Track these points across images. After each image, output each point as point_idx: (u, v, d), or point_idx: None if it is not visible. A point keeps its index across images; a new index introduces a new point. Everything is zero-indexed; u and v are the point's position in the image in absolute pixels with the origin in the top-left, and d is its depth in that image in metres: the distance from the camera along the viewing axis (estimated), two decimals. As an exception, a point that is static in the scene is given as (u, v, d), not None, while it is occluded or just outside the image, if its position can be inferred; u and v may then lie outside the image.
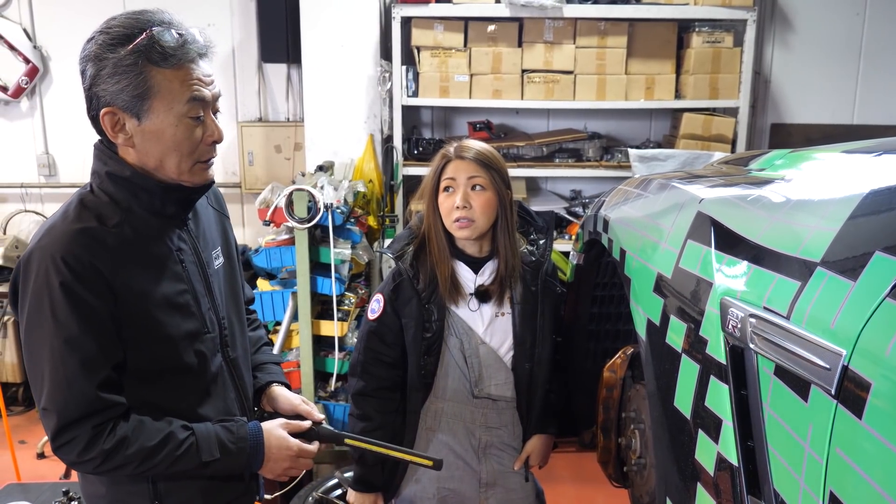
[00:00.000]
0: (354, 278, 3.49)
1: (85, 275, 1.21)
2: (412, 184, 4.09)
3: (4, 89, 3.97)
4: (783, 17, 4.01)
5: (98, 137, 1.31)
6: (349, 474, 2.14)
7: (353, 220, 3.32)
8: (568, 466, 3.41)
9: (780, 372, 0.85)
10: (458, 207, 1.72)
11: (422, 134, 4.12)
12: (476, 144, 1.78)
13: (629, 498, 1.76)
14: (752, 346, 0.89)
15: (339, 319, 3.18)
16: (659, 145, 3.97)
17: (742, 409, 0.92)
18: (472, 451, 1.86)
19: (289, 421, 1.45)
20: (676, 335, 1.08)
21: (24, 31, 3.96)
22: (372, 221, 3.69)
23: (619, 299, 1.97)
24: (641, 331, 1.22)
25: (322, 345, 3.28)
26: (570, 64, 3.68)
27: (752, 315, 0.89)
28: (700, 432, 0.99)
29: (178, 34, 1.22)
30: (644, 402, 1.59)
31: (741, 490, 0.89)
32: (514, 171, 3.76)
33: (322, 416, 1.53)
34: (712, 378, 0.97)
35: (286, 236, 3.20)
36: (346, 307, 3.29)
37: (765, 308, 0.89)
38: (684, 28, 3.74)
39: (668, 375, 1.09)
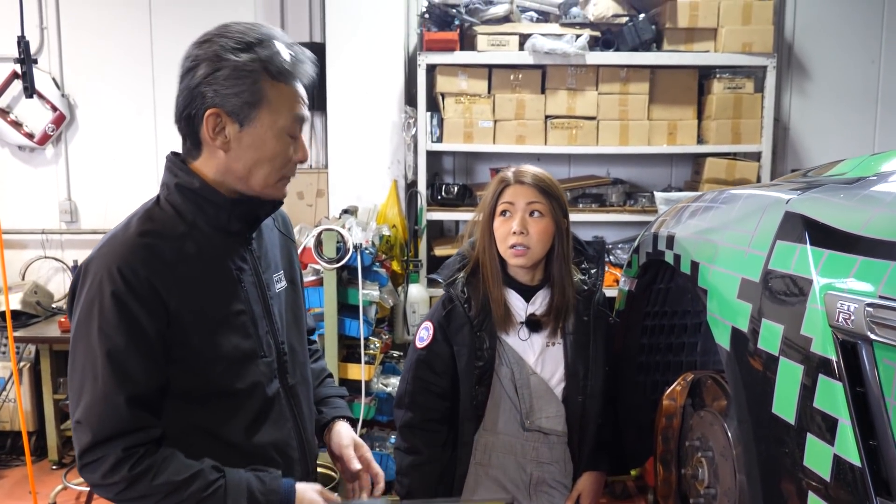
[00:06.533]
0: (378, 323, 3.44)
1: (140, 289, 1.17)
2: (436, 229, 4.10)
3: (30, 136, 4.01)
4: (800, 65, 4.07)
5: (171, 151, 1.30)
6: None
7: (377, 263, 3.30)
8: None
9: (907, 361, 0.80)
10: (514, 233, 1.68)
11: (444, 181, 4.13)
12: (534, 169, 1.76)
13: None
14: (872, 336, 0.84)
15: (365, 363, 3.11)
16: (680, 191, 3.97)
17: (860, 406, 0.87)
18: (524, 487, 1.78)
19: (324, 489, 1.37)
20: (772, 338, 1.03)
21: (53, 79, 4.02)
22: (396, 266, 3.67)
23: (670, 329, 1.92)
24: (724, 341, 1.17)
25: (347, 389, 3.20)
26: (593, 110, 3.72)
27: (869, 304, 0.85)
28: (809, 436, 0.93)
29: (293, 53, 1.24)
30: (711, 428, 1.52)
31: (868, 491, 0.83)
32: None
33: (358, 466, 1.46)
34: (821, 377, 0.92)
35: (312, 278, 3.16)
36: (371, 351, 3.22)
37: (881, 297, 0.85)
38: (705, 75, 3.79)
39: (764, 382, 1.04)
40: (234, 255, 1.30)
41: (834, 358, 0.91)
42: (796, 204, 1.08)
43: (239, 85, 1.19)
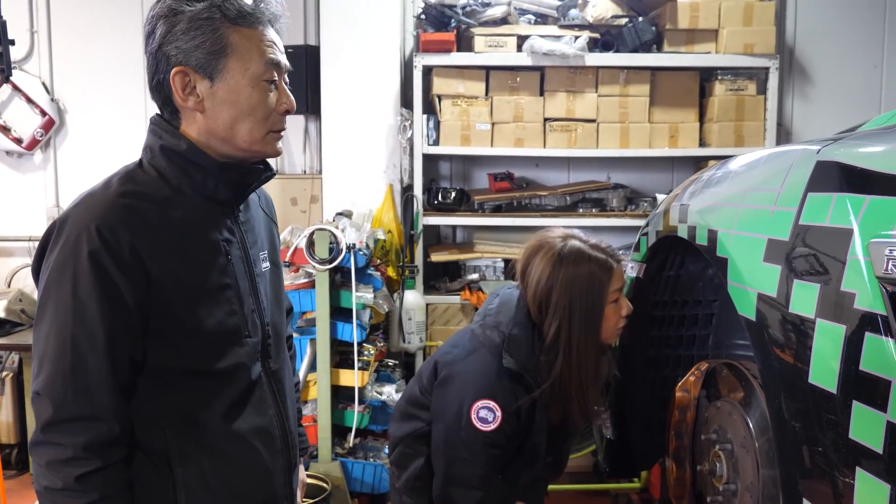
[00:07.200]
0: (373, 330, 3.32)
1: (120, 252, 1.07)
2: (432, 234, 3.99)
3: (19, 141, 3.91)
4: (801, 69, 4.01)
5: (156, 112, 1.21)
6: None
7: (371, 267, 3.19)
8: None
9: (972, 307, 0.70)
10: (624, 316, 1.61)
11: (441, 185, 4.04)
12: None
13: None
14: (930, 280, 0.74)
15: (359, 369, 2.99)
16: (683, 196, 3.89)
17: (915, 364, 0.76)
18: None
19: None
20: (806, 300, 0.93)
21: (43, 84, 3.94)
22: (391, 272, 3.56)
23: (680, 320, 1.81)
24: (749, 311, 1.07)
25: (340, 397, 3.08)
26: (593, 112, 3.64)
27: (925, 246, 0.75)
28: (856, 405, 0.82)
29: None
30: (730, 418, 1.41)
31: (931, 459, 0.72)
32: (536, 221, 3.68)
33: None
34: (868, 335, 0.82)
35: (304, 280, 3.05)
36: (365, 357, 3.10)
37: (937, 238, 0.75)
38: (706, 77, 3.72)
39: (798, 350, 0.93)
40: (221, 225, 1.21)
41: (882, 312, 0.80)
42: (828, 152, 0.98)
43: (199, 36, 1.11)
